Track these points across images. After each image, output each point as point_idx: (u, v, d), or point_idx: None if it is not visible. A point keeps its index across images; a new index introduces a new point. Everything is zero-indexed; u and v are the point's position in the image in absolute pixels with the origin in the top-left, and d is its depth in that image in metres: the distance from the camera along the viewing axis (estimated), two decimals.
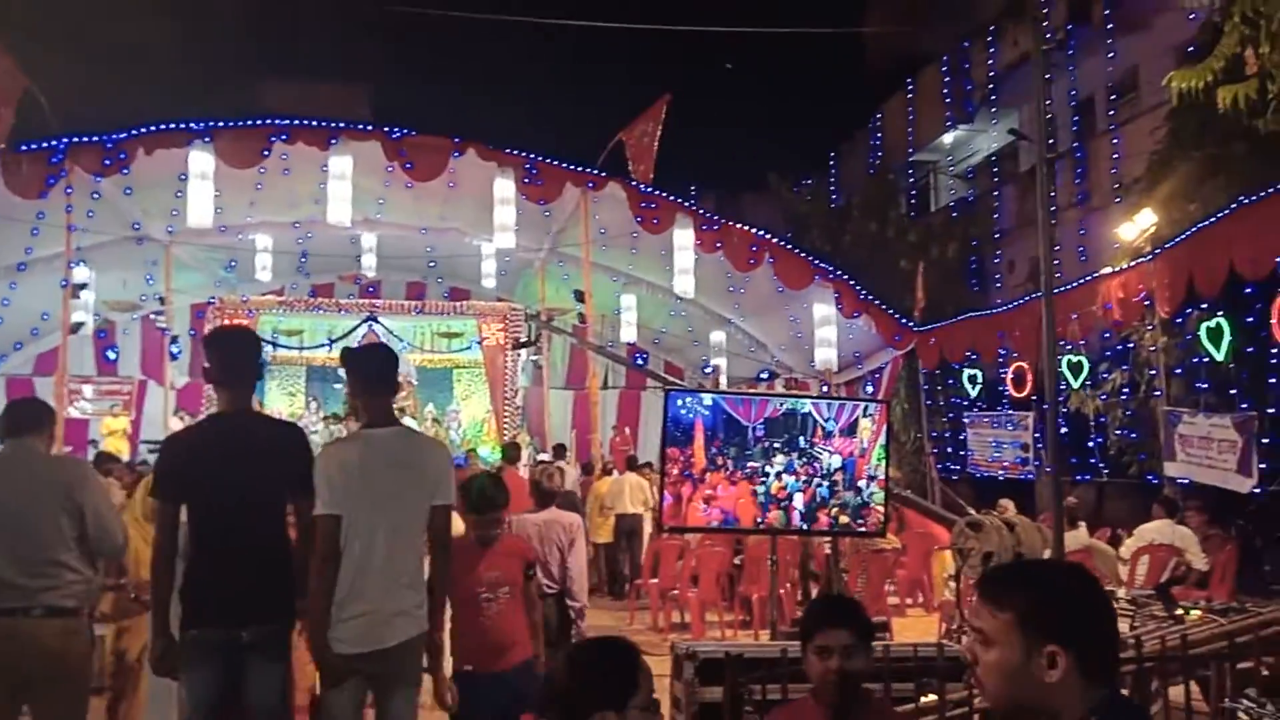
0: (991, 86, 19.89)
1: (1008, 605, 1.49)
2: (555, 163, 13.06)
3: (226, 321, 15.88)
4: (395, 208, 14.39)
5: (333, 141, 12.18)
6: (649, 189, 13.26)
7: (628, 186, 13.14)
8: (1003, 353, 12.79)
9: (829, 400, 5.51)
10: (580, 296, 13.78)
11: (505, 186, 12.74)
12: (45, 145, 11.49)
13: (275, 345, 17.11)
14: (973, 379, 13.91)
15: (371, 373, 3.41)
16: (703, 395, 5.22)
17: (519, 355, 16.54)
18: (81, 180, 11.85)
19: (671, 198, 13.40)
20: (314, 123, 12.30)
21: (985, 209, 20.01)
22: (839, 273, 13.79)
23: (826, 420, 5.16)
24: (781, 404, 5.22)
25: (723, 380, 17.00)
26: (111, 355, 17.08)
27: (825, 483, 5.13)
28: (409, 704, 3.35)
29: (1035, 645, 1.46)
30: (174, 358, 15.65)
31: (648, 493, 10.43)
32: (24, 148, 11.41)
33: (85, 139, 11.63)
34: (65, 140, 11.54)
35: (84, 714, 3.74)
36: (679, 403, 5.07)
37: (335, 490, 3.18)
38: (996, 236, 19.44)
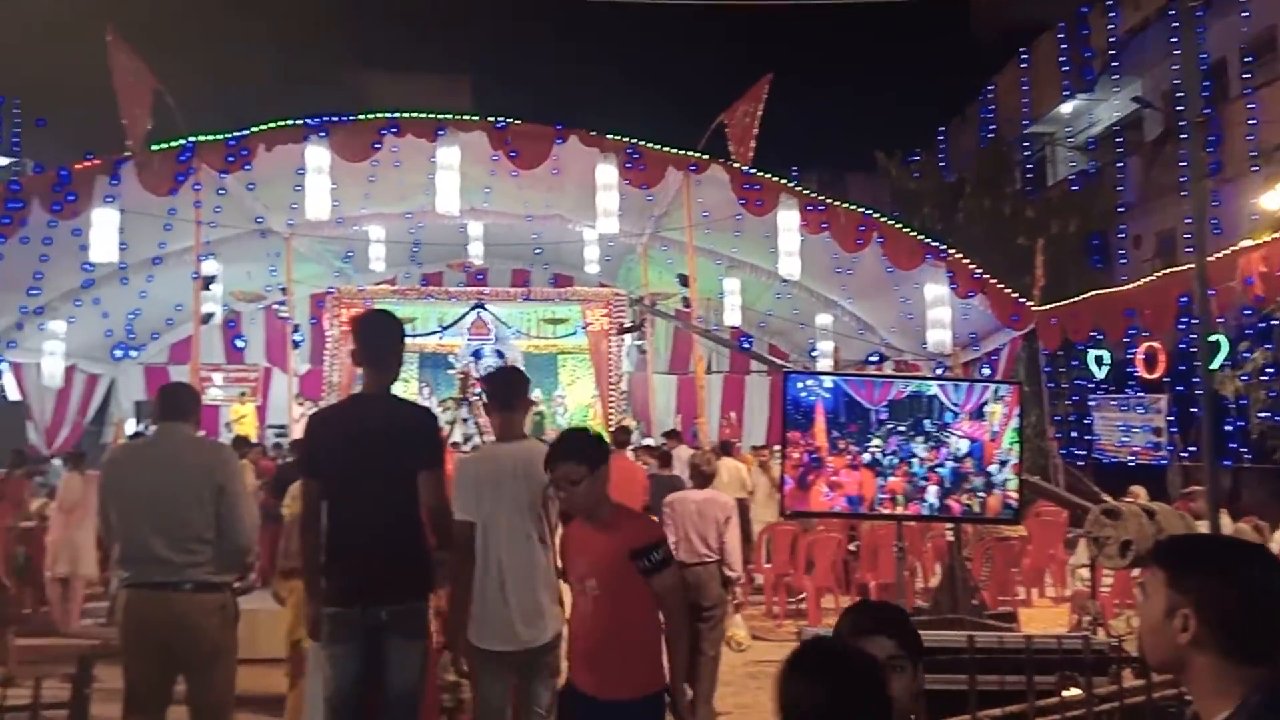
0: (1113, 53, 18.85)
1: (1165, 562, 1.58)
2: (657, 147, 13.01)
3: (344, 310, 16.48)
4: (501, 196, 14.59)
5: (440, 133, 12.39)
6: (751, 170, 13.07)
7: (730, 168, 12.98)
8: (1131, 331, 12.14)
9: (957, 382, 5.29)
10: (684, 280, 13.72)
11: (608, 172, 12.74)
12: (175, 144, 12.05)
13: None
14: (1099, 360, 13.24)
15: (505, 394, 3.76)
16: (823, 378, 5.10)
17: (623, 340, 16.58)
18: (208, 177, 12.40)
19: (775, 179, 13.18)
20: (422, 115, 12.56)
21: (1108, 182, 19.01)
22: (952, 251, 13.32)
23: (954, 403, 4.96)
24: (906, 386, 5.05)
25: (827, 364, 16.69)
26: (240, 344, 17.94)
27: (953, 467, 4.95)
28: (549, 692, 3.52)
29: (1175, 604, 1.51)
30: (296, 345, 16.30)
31: (745, 476, 10.28)
32: (155, 147, 12.01)
33: (211, 137, 12.16)
34: (192, 139, 12.10)
35: (232, 684, 3.90)
36: (798, 385, 4.96)
37: (469, 499, 3.44)
38: (1120, 210, 18.46)
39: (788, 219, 12.86)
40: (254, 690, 5.74)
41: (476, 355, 18.22)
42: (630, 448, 9.10)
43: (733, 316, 15.92)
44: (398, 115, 12.45)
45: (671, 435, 12.01)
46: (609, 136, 12.78)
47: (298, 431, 15.71)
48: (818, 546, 8.48)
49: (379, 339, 3.53)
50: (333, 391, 16.50)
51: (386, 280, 18.05)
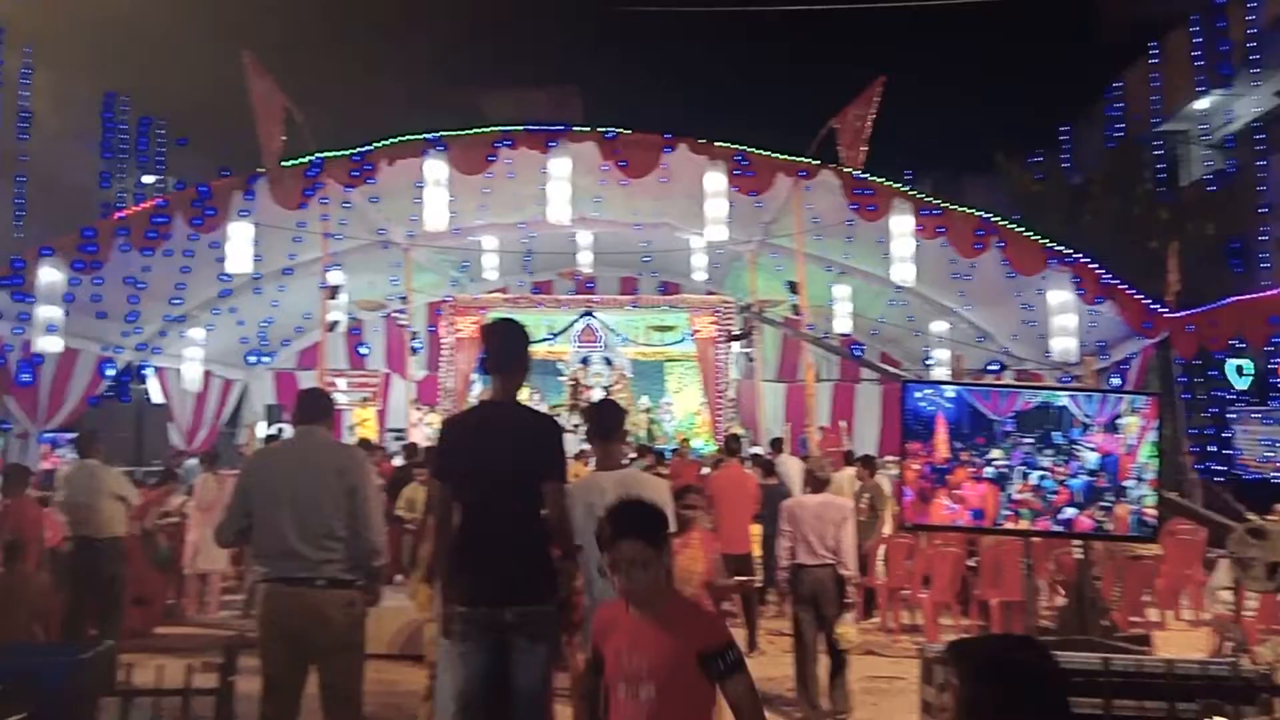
0: (1253, 45, 17.73)
1: None
2: (766, 153, 12.93)
3: (459, 319, 16.98)
4: (610, 205, 14.75)
5: (552, 144, 12.63)
6: (863, 175, 12.84)
7: (841, 173, 12.77)
8: (1275, 340, 11.37)
9: (1089, 393, 5.06)
10: (793, 287, 13.57)
11: (716, 179, 12.72)
12: (304, 160, 12.67)
13: None
14: (1240, 370, 12.44)
15: (604, 425, 4.09)
16: (944, 387, 4.95)
17: (731, 348, 16.52)
18: (335, 191, 12.98)
19: (888, 183, 12.90)
20: (535, 128, 12.84)
21: (1248, 182, 17.86)
22: (1078, 255, 12.75)
23: (1086, 415, 4.75)
24: (1034, 397, 4.86)
25: (943, 372, 16.22)
26: (363, 351, 18.70)
27: (1086, 481, 4.73)
28: None
29: None
30: (414, 352, 16.87)
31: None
32: (286, 164, 12.65)
33: (337, 154, 12.73)
34: (320, 155, 12.69)
35: (360, 674, 4.05)
36: (918, 395, 4.84)
37: (579, 520, 3.63)
38: (1262, 211, 17.31)
39: (901, 224, 12.56)
40: (378, 681, 5.97)
41: (585, 362, 18.47)
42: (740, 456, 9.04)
43: (843, 324, 15.65)
44: (511, 129, 12.76)
45: (776, 445, 11.87)
46: (717, 144, 12.77)
47: (415, 435, 16.27)
48: (935, 561, 8.24)
49: (508, 347, 3.64)
50: (448, 397, 17.01)
51: (499, 289, 18.50)
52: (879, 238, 12.98)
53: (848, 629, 6.02)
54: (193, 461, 13.98)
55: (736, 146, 12.73)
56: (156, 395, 17.45)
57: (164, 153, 22.81)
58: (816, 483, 6.26)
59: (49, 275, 12.27)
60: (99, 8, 18.46)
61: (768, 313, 14.71)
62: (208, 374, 16.79)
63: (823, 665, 6.08)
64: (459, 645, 3.38)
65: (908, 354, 18.07)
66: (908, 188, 13.42)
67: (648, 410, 18.39)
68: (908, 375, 14.11)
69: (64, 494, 6.95)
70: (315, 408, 4.25)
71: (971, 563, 8.56)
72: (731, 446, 8.23)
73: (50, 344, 12.42)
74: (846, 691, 6.02)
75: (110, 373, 15.10)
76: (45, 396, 13.56)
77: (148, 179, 22.81)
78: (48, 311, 12.29)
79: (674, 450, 15.16)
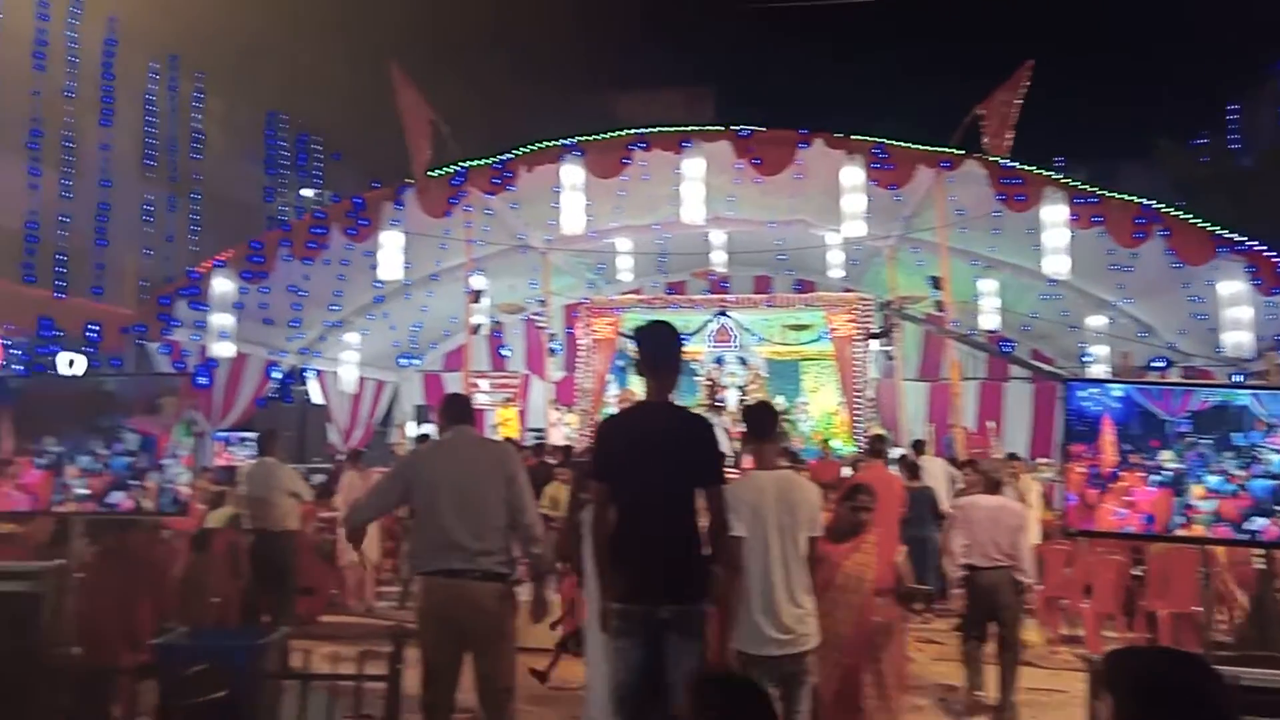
0: None
1: None
2: (906, 145, 12.57)
3: (595, 320, 17.27)
4: (744, 203, 14.68)
5: (685, 145, 12.67)
6: (1011, 163, 12.29)
7: (987, 163, 12.27)
8: None
9: (1274, 392, 4.68)
10: (936, 283, 13.13)
11: (853, 174, 12.46)
12: (449, 170, 13.18)
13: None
14: None
15: (761, 427, 4.21)
16: (1111, 386, 4.68)
17: (869, 346, 16.13)
18: (477, 199, 13.44)
19: (1039, 171, 12.31)
20: (668, 129, 12.92)
21: None
22: (1252, 243, 11.81)
23: (1272, 414, 4.39)
24: (1212, 396, 4.53)
25: (1102, 369, 15.34)
26: (505, 353, 19.30)
27: (1271, 485, 4.38)
28: (807, 698, 3.83)
29: None
30: (552, 354, 17.27)
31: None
32: (432, 174, 13.20)
33: (479, 162, 13.18)
34: (463, 165, 13.16)
35: (514, 666, 4.19)
36: (1081, 394, 4.59)
37: (742, 518, 3.72)
38: None
39: (1053, 213, 11.96)
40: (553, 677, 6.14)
41: (719, 362, 18.43)
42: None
43: (990, 320, 15.03)
44: (645, 131, 12.88)
45: (918, 446, 11.50)
46: (854, 137, 12.50)
47: (554, 435, 16.66)
48: (1098, 568, 7.81)
49: (661, 348, 3.71)
50: (584, 397, 17.31)
51: (633, 290, 18.70)
52: (1029, 229, 12.40)
53: (1029, 633, 5.97)
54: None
55: (874, 139, 12.43)
56: (317, 396, 18.54)
57: (320, 167, 24.22)
58: (991, 484, 6.37)
59: (221, 285, 13.23)
60: (261, 33, 19.78)
61: (909, 309, 14.29)
62: (362, 376, 17.70)
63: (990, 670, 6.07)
64: (615, 640, 3.46)
65: (1062, 351, 17.18)
66: (1060, 175, 12.76)
67: (784, 410, 18.18)
68: (1063, 373, 13.38)
69: (244, 489, 7.49)
70: (464, 409, 4.49)
71: (1137, 571, 8.06)
72: (876, 447, 8.03)
73: (223, 349, 13.38)
74: (1014, 700, 5.95)
75: (276, 375, 16.16)
76: (219, 398, 14.61)
77: (306, 192, 24.31)
78: (221, 319, 13.25)
79: (818, 449, 14.96)
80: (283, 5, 19.49)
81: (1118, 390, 4.60)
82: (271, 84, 21.93)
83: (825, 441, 15.00)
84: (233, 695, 3.28)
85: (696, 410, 4.42)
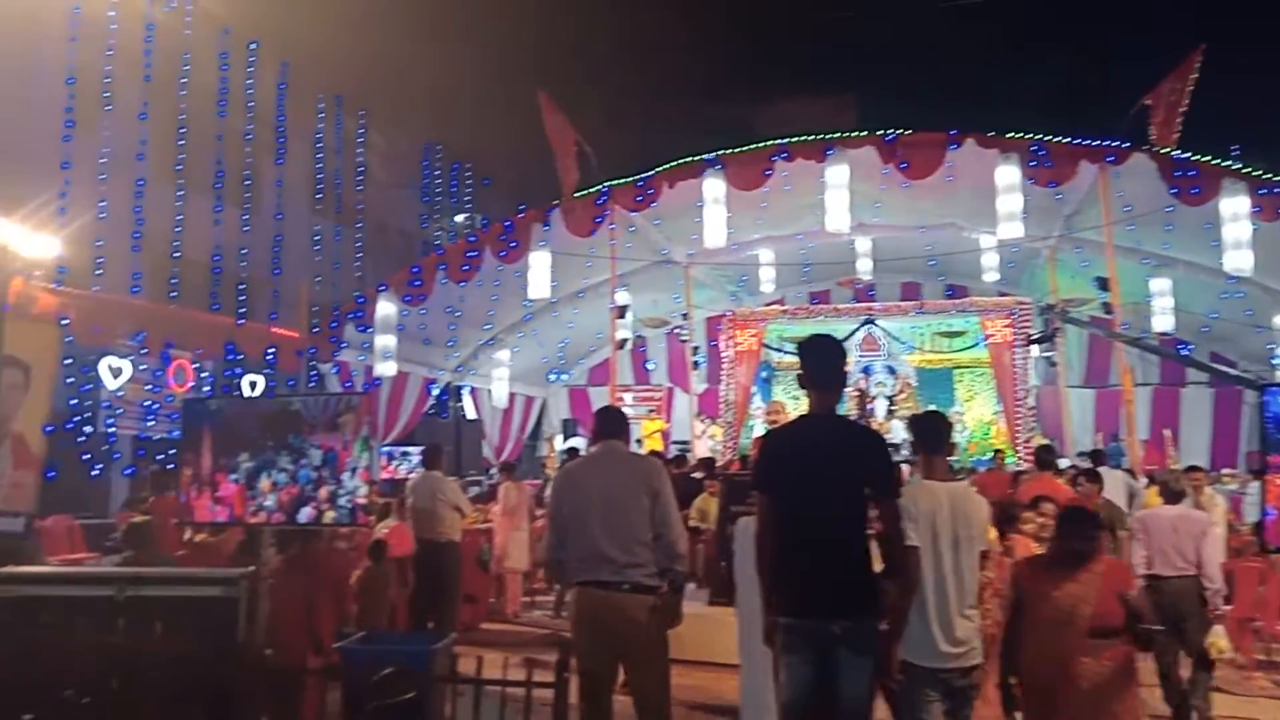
0: None
1: None
2: (1066, 140, 11.94)
3: (738, 332, 17.22)
4: (891, 209, 14.32)
5: (829, 152, 12.49)
6: (1184, 155, 11.47)
7: (1157, 156, 11.50)
8: None
9: None
10: (1103, 284, 12.39)
11: (1009, 173, 11.94)
12: (594, 190, 13.49)
13: (780, 351, 18.09)
14: None
15: (933, 438, 4.01)
16: None
17: (1029, 352, 15.37)
18: (621, 216, 13.69)
19: (1215, 161, 11.43)
20: (810, 137, 12.77)
21: None
22: None
23: None
24: None
25: None
26: (650, 366, 19.54)
27: None
28: (972, 712, 3.76)
29: None
30: (695, 366, 17.34)
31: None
32: (578, 194, 13.53)
33: (622, 181, 13.42)
34: (607, 184, 13.44)
35: (667, 678, 4.20)
36: None
37: (919, 528, 3.65)
38: None
39: (1234, 206, 11.09)
40: (682, 687, 6.16)
41: (867, 371, 18.03)
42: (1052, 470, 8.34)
43: (1164, 321, 14.06)
44: (787, 141, 12.79)
45: (1097, 457, 10.81)
46: (1009, 135, 11.99)
47: (699, 448, 16.69)
48: None
49: (826, 361, 3.68)
50: (729, 410, 17.28)
51: (776, 301, 18.56)
52: (1205, 223, 11.54)
53: (1218, 639, 5.83)
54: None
55: (1031, 136, 11.88)
56: (470, 412, 19.31)
57: (471, 192, 25.31)
58: (1172, 495, 6.32)
59: (385, 308, 13.99)
60: (416, 69, 20.88)
61: (1073, 312, 13.54)
62: (512, 392, 18.30)
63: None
64: (785, 656, 3.43)
65: (1245, 353, 15.87)
66: (1238, 165, 11.82)
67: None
68: (1251, 377, 12.33)
69: (411, 500, 7.88)
70: (614, 424, 4.51)
71: None
72: (1044, 458, 7.63)
73: (386, 368, 14.14)
74: (1206, 705, 5.83)
75: (434, 392, 16.92)
76: (383, 414, 15.42)
77: (458, 218, 25.44)
78: (384, 340, 14.01)
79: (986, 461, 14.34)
80: (435, 42, 20.54)
81: None
82: (426, 117, 23.12)
83: (998, 452, 14.28)
84: (417, 698, 3.46)
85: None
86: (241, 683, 4.38)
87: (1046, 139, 11.89)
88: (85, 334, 11.23)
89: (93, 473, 11.35)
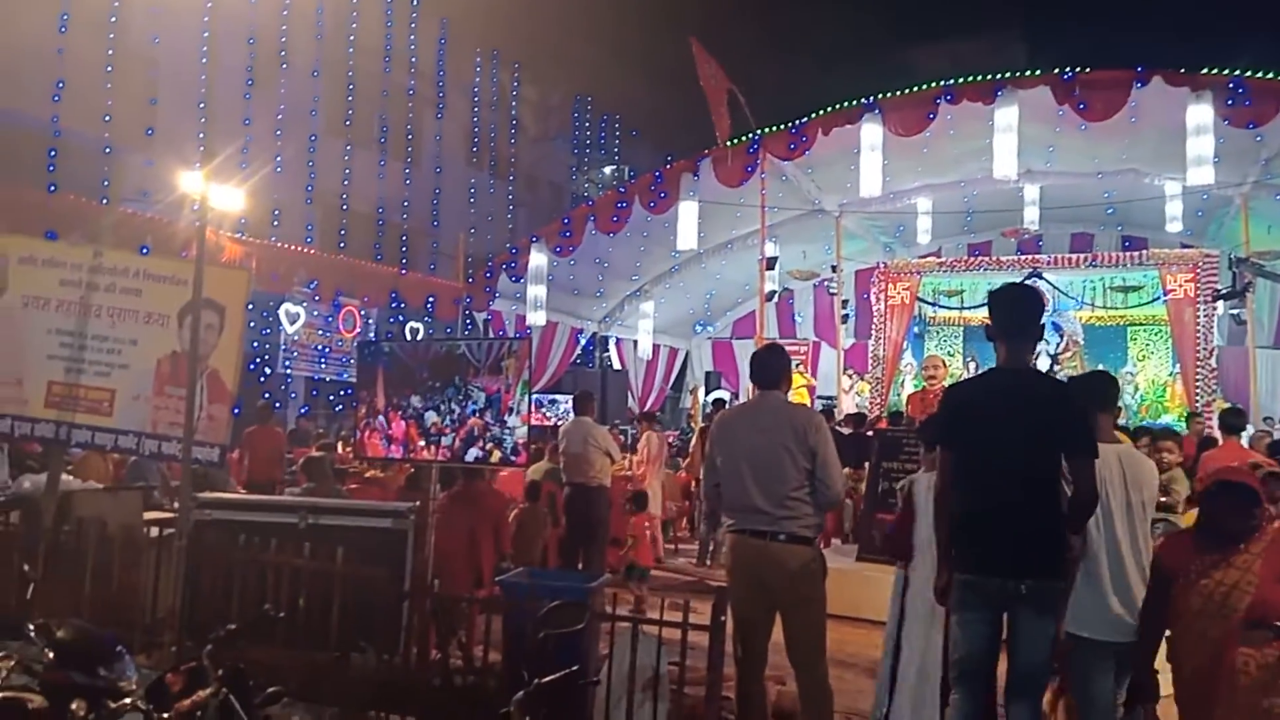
0: None
1: None
2: (1269, 76, 10.82)
3: (890, 285, 16.66)
4: (1065, 154, 13.44)
5: (999, 93, 11.81)
6: None
7: None
8: None
9: None
10: None
11: (1201, 113, 10.97)
12: (745, 138, 13.26)
13: (935, 306, 17.42)
14: None
15: (1102, 396, 3.72)
16: None
17: (1215, 309, 14.18)
18: (772, 165, 13.42)
19: None
20: (980, 78, 12.07)
21: None
22: None
23: None
24: None
25: None
26: (798, 319, 19.25)
27: None
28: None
29: None
30: (845, 320, 16.93)
31: None
32: (729, 143, 13.34)
33: (774, 128, 13.12)
34: (759, 132, 13.18)
35: (823, 629, 4.15)
36: None
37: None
38: None
39: None
40: (853, 644, 6.12)
41: None
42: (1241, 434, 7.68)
43: None
44: (953, 83, 12.15)
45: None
46: (1203, 72, 10.97)
47: (846, 403, 16.36)
48: None
49: (1022, 310, 3.52)
50: (879, 365, 16.81)
51: (932, 253, 17.83)
52: None
53: None
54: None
55: (1229, 73, 10.82)
56: (616, 362, 19.62)
57: (619, 145, 25.44)
58: None
59: (536, 259, 14.33)
60: (569, 22, 21.04)
61: (1268, 266, 12.37)
62: (656, 344, 18.44)
63: None
64: (961, 612, 3.35)
65: None
66: None
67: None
68: None
69: (563, 445, 8.08)
70: (774, 371, 4.37)
71: None
72: (1231, 422, 7.03)
73: (537, 318, 14.52)
74: None
75: (581, 342, 17.27)
76: (533, 363, 15.86)
77: (607, 170, 25.66)
78: (535, 290, 14.36)
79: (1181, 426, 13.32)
80: None
81: None
82: (577, 70, 23.33)
83: (1193, 415, 13.00)
84: (586, 630, 3.57)
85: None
86: (411, 608, 4.67)
87: (1246, 75, 10.81)
88: (265, 281, 12.05)
89: (274, 409, 12.24)
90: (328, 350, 14.93)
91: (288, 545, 4.83)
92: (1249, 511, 3.20)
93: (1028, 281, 16.22)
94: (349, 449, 8.28)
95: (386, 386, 5.41)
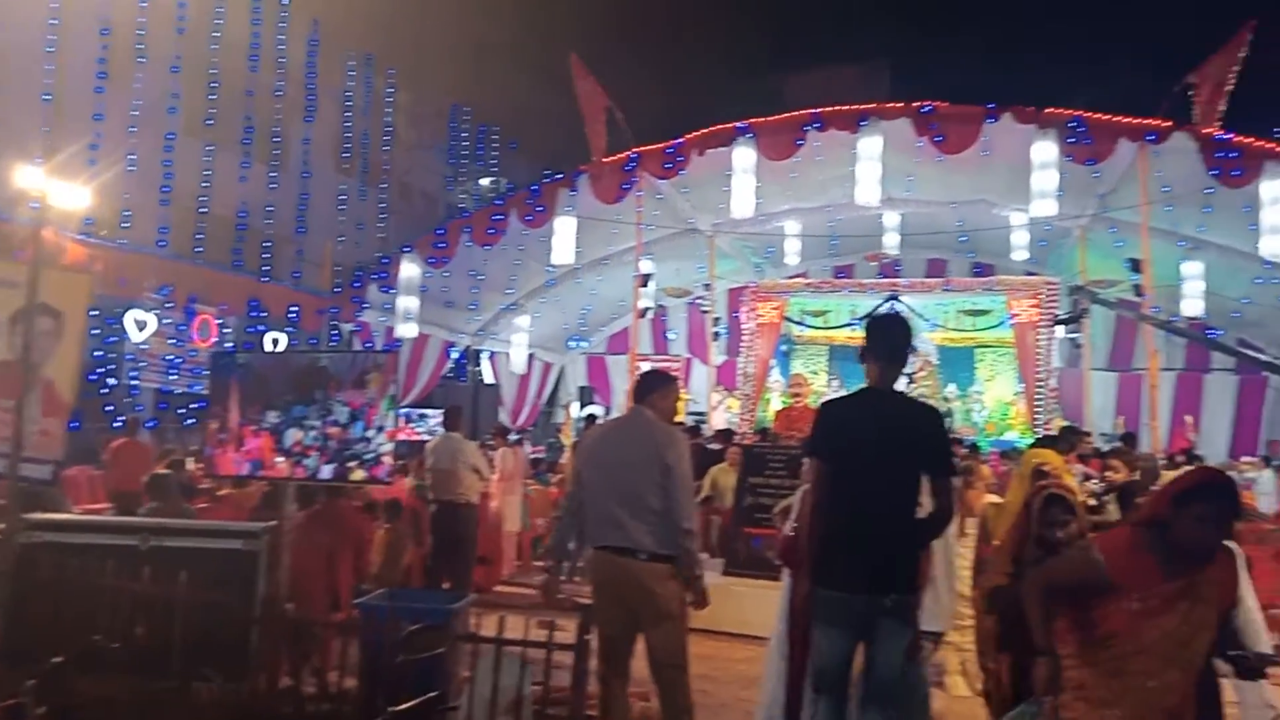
0: None
1: None
2: (1107, 117, 11.72)
3: (759, 304, 17.11)
4: (923, 183, 14.14)
5: (862, 123, 12.32)
6: (1228, 136, 11.23)
7: (1200, 135, 11.27)
8: None
9: None
10: (1136, 265, 12.22)
11: (1046, 149, 11.75)
12: (622, 155, 13.37)
13: (802, 325, 17.98)
14: None
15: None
16: None
17: (1055, 333, 15.19)
18: (649, 184, 13.58)
19: (1260, 143, 11.18)
20: (845, 107, 12.59)
21: None
22: None
23: None
24: None
25: None
26: (671, 336, 19.48)
27: None
28: None
29: None
30: (716, 337, 17.26)
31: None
32: (606, 159, 13.42)
33: (652, 147, 13.30)
34: (636, 149, 13.32)
35: (684, 646, 4.18)
36: None
37: None
38: None
39: (1274, 189, 10.88)
40: (698, 657, 6.16)
41: None
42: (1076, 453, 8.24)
43: (1193, 305, 13.87)
44: (821, 110, 12.61)
45: (1129, 440, 10.71)
46: (1049, 110, 11.78)
47: (716, 419, 16.64)
48: None
49: (895, 338, 3.70)
50: (748, 382, 17.21)
51: (800, 274, 18.41)
52: (1244, 206, 11.34)
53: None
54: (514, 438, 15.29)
55: (1071, 112, 11.66)
56: (489, 376, 19.36)
57: (497, 156, 25.19)
58: (1150, 478, 6.14)
59: (408, 270, 14.00)
60: (446, 29, 20.73)
61: (1102, 294, 13.36)
62: (531, 357, 18.31)
63: None
64: (824, 626, 3.47)
65: (1275, 339, 15.62)
66: None
67: (956, 398, 17.47)
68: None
69: (430, 461, 7.90)
70: (645, 389, 4.40)
71: None
72: (1070, 439, 7.54)
73: (408, 330, 14.17)
74: None
75: (454, 355, 16.96)
76: (402, 376, 15.49)
77: (484, 181, 25.36)
78: (406, 301, 14.02)
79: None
80: (466, 2, 20.35)
81: None
82: (454, 78, 22.98)
83: (1073, 431, 13.37)
84: (446, 655, 3.47)
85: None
86: (262, 634, 4.44)
87: (1087, 115, 11.68)
88: (111, 286, 11.31)
89: (115, 425, 11.48)
90: (180, 361, 14.13)
91: (126, 570, 4.52)
92: (1229, 522, 2.62)
93: (887, 305, 17.03)
94: (199, 466, 7.85)
95: (241, 400, 5.15)
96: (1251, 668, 3.02)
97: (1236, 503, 2.60)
